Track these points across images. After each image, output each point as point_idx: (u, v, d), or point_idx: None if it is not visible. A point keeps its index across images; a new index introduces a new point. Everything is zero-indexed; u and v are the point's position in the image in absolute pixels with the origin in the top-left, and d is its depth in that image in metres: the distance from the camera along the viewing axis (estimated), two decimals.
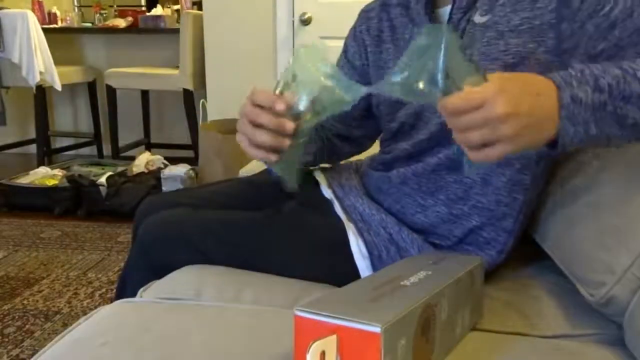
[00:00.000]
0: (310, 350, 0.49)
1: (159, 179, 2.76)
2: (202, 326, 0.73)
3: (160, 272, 0.94)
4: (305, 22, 2.89)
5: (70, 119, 4.23)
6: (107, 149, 3.89)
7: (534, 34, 0.77)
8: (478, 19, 0.81)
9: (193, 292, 0.87)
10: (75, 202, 2.78)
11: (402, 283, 0.60)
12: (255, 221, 0.96)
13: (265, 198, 1.04)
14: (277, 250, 0.94)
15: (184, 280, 0.91)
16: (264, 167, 1.12)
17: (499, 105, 0.57)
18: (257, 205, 1.00)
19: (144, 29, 3.76)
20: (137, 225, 1.06)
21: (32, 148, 3.61)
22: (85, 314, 1.86)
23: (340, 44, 1.09)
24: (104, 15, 4.35)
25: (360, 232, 0.90)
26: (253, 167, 1.38)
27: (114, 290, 1.98)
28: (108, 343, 0.68)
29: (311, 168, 1.09)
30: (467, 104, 0.58)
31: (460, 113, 0.58)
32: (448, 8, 0.85)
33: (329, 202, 0.97)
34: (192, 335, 0.70)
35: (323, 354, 0.48)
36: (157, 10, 3.92)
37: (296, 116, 0.69)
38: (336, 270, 0.89)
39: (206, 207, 1.03)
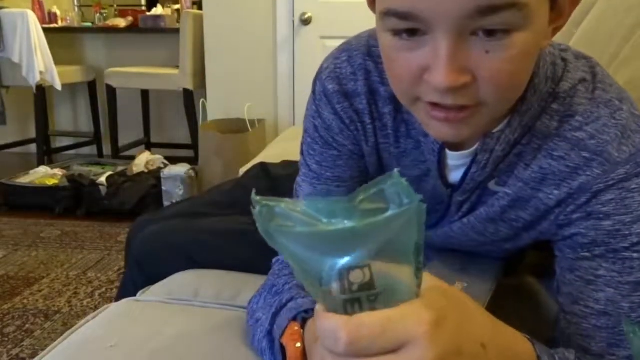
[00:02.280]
0: None
1: (159, 179, 2.76)
2: (213, 329, 0.73)
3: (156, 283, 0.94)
4: (305, 22, 2.89)
5: (70, 118, 4.23)
6: (107, 149, 3.89)
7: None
8: (493, 186, 0.63)
9: (191, 294, 0.87)
10: (75, 201, 2.78)
11: None
12: (247, 226, 0.95)
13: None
14: (272, 256, 0.94)
15: (181, 283, 0.91)
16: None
17: (428, 353, 0.35)
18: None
19: (144, 29, 3.76)
20: (129, 244, 1.06)
21: (32, 148, 3.61)
22: (85, 313, 1.87)
23: (339, 43, 0.72)
24: (104, 15, 4.35)
25: None
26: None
27: (114, 290, 1.99)
28: (118, 345, 0.68)
29: None
30: (375, 343, 0.34)
31: (366, 351, 0.35)
32: (459, 157, 0.61)
33: None
34: (204, 338, 0.70)
35: None
36: (157, 10, 3.92)
37: None
38: None
39: (200, 218, 1.04)
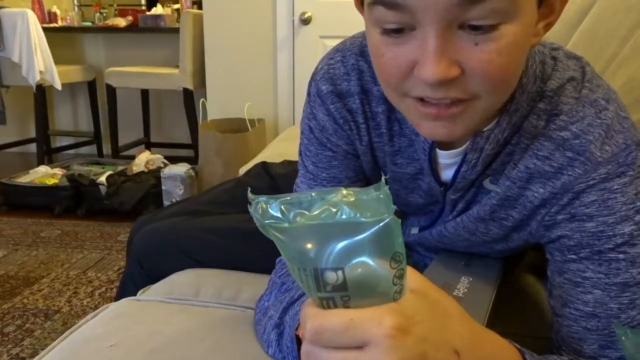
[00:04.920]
0: None
1: (158, 178, 2.75)
2: (213, 328, 0.73)
3: (157, 281, 0.94)
4: (305, 21, 2.89)
5: (70, 118, 4.23)
6: (107, 148, 3.89)
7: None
8: (488, 185, 0.63)
9: (191, 293, 0.87)
10: (75, 201, 2.78)
11: (454, 294, 0.58)
12: (248, 225, 0.95)
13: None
14: (272, 254, 0.94)
15: (182, 282, 0.90)
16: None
17: (385, 356, 0.36)
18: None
19: (144, 28, 3.76)
20: (131, 241, 1.06)
21: (32, 147, 3.61)
22: (85, 312, 1.87)
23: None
24: (104, 14, 4.35)
25: None
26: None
27: (114, 290, 1.99)
28: (118, 344, 0.68)
29: None
30: (337, 339, 0.36)
31: (328, 343, 0.37)
32: (449, 156, 0.62)
33: None
34: (204, 337, 0.70)
35: None
36: (157, 10, 3.92)
37: None
38: None
39: (201, 216, 1.04)
